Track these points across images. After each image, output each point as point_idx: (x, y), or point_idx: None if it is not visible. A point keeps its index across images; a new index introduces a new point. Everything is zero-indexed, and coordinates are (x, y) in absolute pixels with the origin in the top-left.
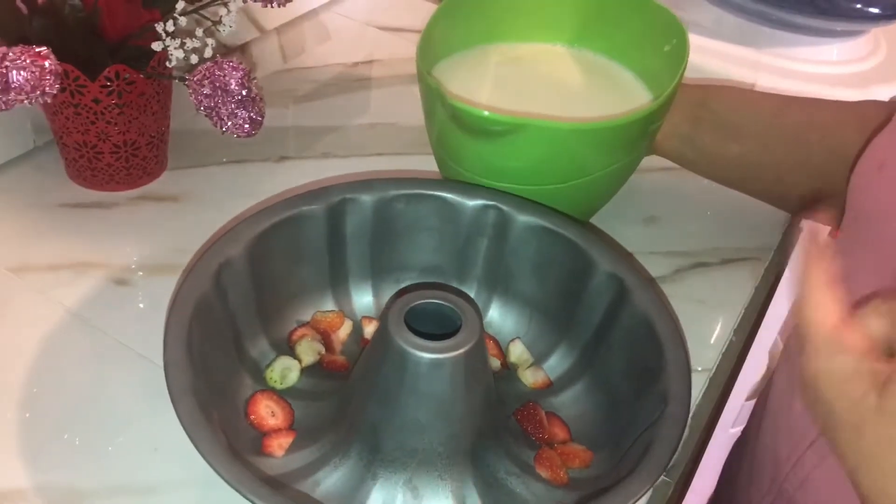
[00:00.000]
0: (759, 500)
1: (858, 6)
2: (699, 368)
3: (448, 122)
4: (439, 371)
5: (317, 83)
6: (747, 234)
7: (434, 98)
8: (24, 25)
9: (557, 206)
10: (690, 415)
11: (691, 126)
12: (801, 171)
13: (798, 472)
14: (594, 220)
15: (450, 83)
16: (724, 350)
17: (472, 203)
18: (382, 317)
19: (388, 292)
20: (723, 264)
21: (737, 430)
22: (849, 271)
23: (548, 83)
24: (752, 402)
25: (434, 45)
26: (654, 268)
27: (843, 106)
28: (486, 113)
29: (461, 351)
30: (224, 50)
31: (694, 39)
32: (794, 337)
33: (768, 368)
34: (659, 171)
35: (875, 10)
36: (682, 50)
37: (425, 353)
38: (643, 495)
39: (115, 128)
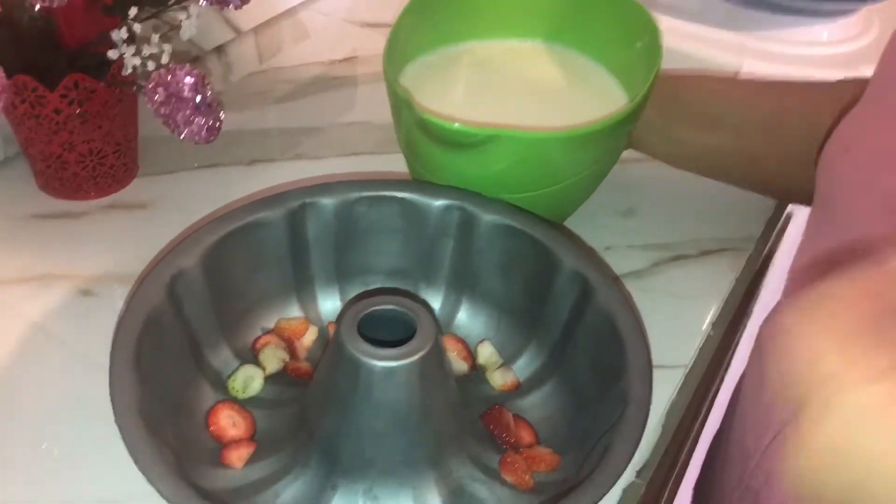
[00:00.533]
0: (728, 495)
1: None
2: (676, 365)
3: (417, 132)
4: (393, 379)
5: (294, 83)
6: (729, 224)
7: (402, 108)
8: None
9: (539, 211)
10: (664, 412)
11: (665, 120)
12: (778, 158)
13: (763, 465)
14: (572, 215)
15: (420, 88)
16: (700, 345)
17: (437, 203)
18: (336, 324)
19: (355, 296)
20: (702, 256)
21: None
22: (817, 254)
23: (521, 84)
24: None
25: (401, 47)
26: (632, 261)
27: (818, 88)
28: (456, 125)
29: (415, 357)
30: (200, 52)
31: (679, 25)
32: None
33: None
34: (636, 163)
35: None
36: (655, 47)
37: (377, 361)
38: (601, 499)
39: (79, 137)
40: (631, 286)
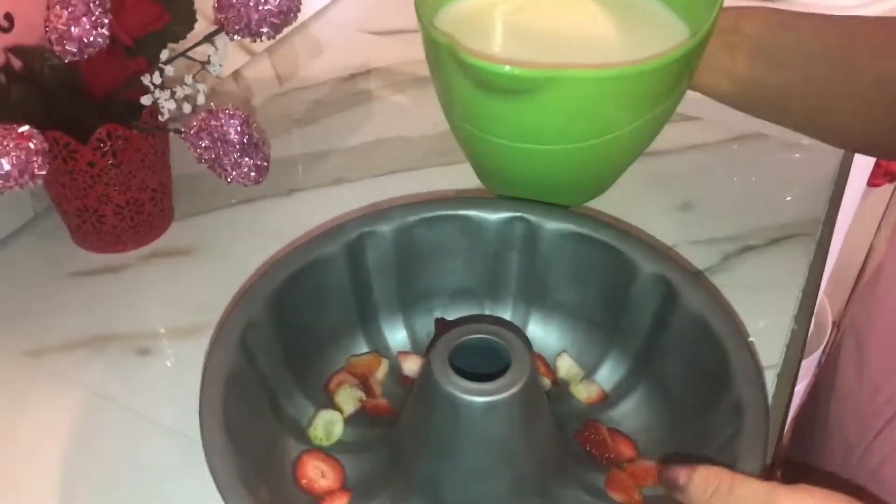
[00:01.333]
0: (830, 479)
1: None
2: (766, 365)
3: (461, 81)
4: (495, 413)
5: (315, 103)
6: (792, 208)
7: (443, 55)
8: (4, 96)
9: (595, 163)
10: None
11: (727, 55)
12: (847, 101)
13: (868, 461)
14: (626, 212)
15: (457, 35)
16: (787, 343)
17: (496, 217)
18: (425, 362)
19: (421, 322)
20: (771, 245)
21: (800, 388)
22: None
23: (569, 25)
24: (811, 358)
25: None
26: (700, 258)
27: (892, 26)
28: (508, 69)
29: (515, 389)
30: (216, 81)
31: None
32: (860, 316)
33: (819, 324)
34: (687, 151)
35: None
36: None
37: (477, 397)
38: None
39: (115, 188)
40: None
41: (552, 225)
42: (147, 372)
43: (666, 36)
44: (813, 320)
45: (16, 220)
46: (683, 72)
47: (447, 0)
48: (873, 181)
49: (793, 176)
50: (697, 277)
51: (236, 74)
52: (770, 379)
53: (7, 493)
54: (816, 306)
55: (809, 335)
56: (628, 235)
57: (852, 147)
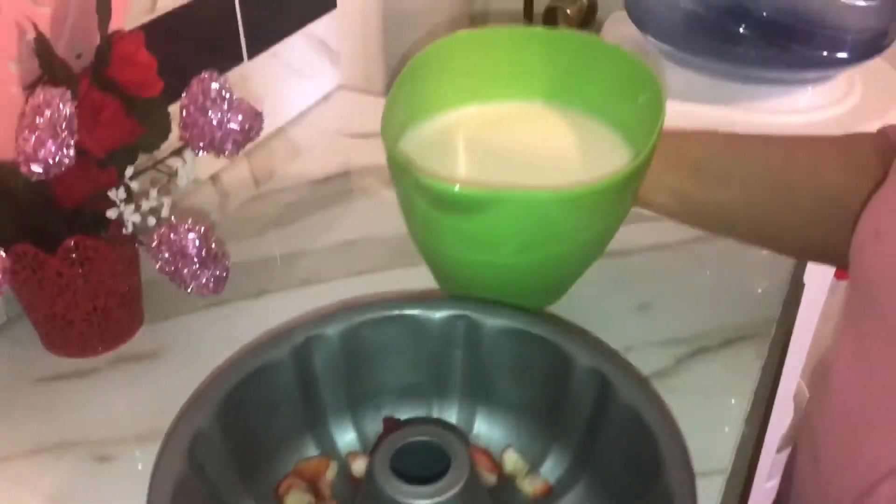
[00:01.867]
0: None
1: (825, 54)
2: (714, 471)
3: (417, 197)
4: None
5: (289, 205)
6: (747, 310)
7: (401, 173)
8: None
9: (548, 272)
10: None
11: (673, 174)
12: (789, 215)
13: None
14: (585, 314)
15: (419, 155)
16: (737, 444)
17: (440, 315)
18: (368, 465)
19: (370, 422)
20: (724, 346)
21: (772, 485)
22: (860, 339)
23: (522, 146)
24: (786, 452)
25: (398, 116)
26: (655, 360)
27: (826, 142)
28: (456, 188)
29: (455, 490)
30: (193, 186)
31: (666, 104)
32: (813, 411)
33: (795, 415)
34: (647, 252)
35: (843, 55)
36: (657, 101)
37: (419, 500)
38: None
39: (83, 296)
40: (659, 386)
41: (493, 322)
42: (105, 479)
43: (610, 157)
44: (793, 412)
45: None
46: (626, 191)
47: (413, 122)
48: (841, 274)
49: (752, 275)
50: (629, 369)
51: (214, 177)
52: (718, 486)
53: None
54: (797, 397)
55: (788, 427)
56: (564, 330)
57: (800, 256)
